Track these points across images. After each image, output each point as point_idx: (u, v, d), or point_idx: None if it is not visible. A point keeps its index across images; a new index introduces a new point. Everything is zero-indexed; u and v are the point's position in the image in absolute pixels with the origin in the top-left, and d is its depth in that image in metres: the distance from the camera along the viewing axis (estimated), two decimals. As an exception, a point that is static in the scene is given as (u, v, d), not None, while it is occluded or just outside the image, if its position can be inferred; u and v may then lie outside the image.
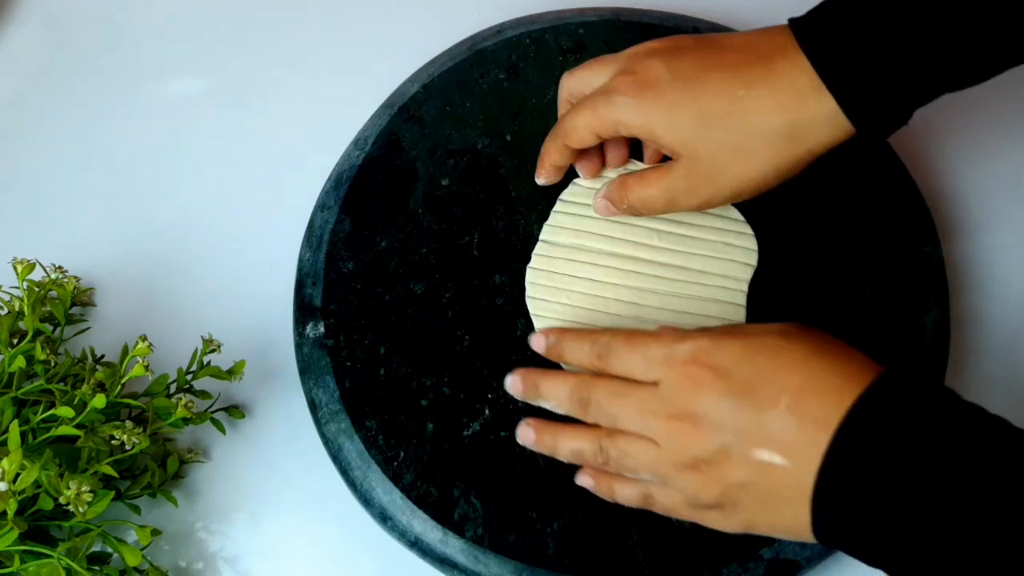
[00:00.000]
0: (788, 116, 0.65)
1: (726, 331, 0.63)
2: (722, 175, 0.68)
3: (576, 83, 0.74)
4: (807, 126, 0.65)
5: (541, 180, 0.77)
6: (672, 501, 0.63)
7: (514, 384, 0.69)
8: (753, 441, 0.58)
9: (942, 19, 0.62)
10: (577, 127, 0.71)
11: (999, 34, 0.64)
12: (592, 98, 0.70)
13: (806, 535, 0.58)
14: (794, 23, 0.67)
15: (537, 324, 0.74)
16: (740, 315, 0.73)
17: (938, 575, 0.54)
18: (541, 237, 0.76)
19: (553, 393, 0.67)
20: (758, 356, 0.60)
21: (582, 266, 0.75)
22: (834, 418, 0.56)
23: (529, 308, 0.74)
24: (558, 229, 0.76)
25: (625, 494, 0.66)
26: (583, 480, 0.68)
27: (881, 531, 0.55)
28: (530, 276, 0.75)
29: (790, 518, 0.58)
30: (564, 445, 0.67)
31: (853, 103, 0.64)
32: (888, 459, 0.54)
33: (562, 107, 0.76)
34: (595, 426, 0.65)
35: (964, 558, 0.53)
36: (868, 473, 0.55)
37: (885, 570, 0.56)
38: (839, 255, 0.76)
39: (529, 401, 0.69)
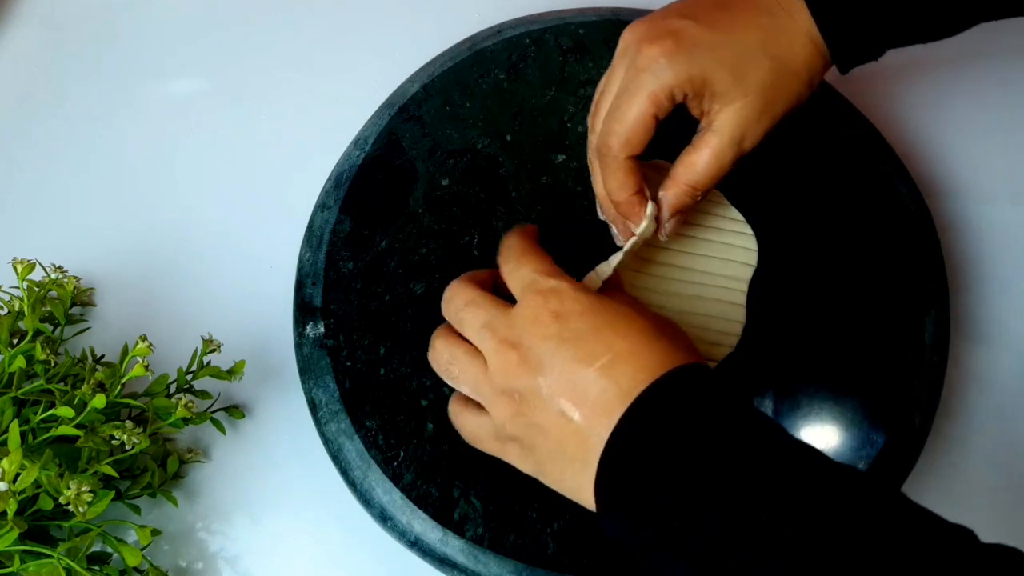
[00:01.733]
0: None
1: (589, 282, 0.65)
2: (775, 102, 0.67)
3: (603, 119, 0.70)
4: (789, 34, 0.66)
5: (624, 232, 0.72)
6: (481, 429, 0.64)
7: None
8: (561, 390, 0.58)
9: None
10: (635, 124, 0.67)
11: None
12: (625, 89, 0.67)
13: (587, 500, 0.58)
14: None
15: None
16: (740, 315, 0.73)
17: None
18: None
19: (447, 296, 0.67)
20: (601, 312, 0.60)
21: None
22: (635, 392, 0.56)
23: None
24: None
25: (451, 407, 0.66)
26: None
27: (632, 517, 0.55)
28: None
29: (571, 477, 0.59)
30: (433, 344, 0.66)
31: (830, 25, 0.65)
32: (652, 452, 0.55)
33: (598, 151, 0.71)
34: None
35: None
36: (636, 459, 0.55)
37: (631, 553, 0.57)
38: (839, 255, 0.76)
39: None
